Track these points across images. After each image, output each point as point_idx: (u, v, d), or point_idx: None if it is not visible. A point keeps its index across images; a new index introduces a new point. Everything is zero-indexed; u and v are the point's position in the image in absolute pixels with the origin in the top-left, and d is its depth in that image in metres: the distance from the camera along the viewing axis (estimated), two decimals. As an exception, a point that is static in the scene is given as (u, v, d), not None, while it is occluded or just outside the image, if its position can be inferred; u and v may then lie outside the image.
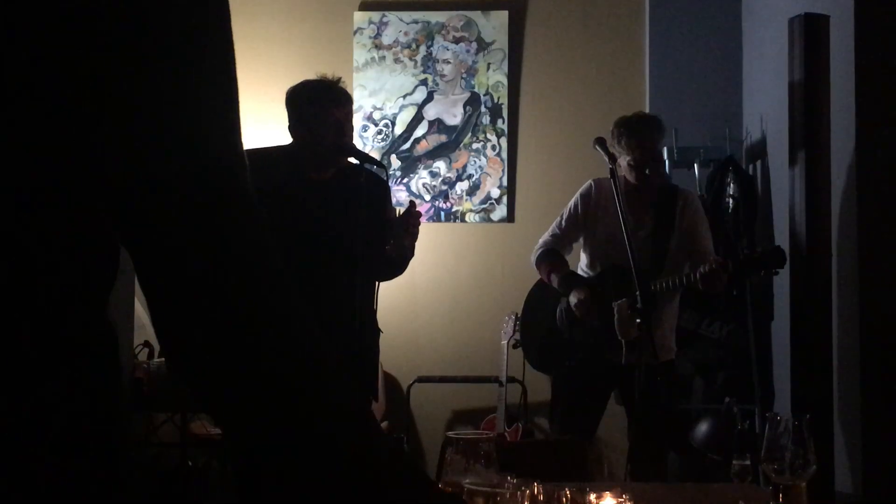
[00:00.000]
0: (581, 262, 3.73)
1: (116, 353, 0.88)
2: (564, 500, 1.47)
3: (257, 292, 0.80)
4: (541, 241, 3.75)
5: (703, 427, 4.39)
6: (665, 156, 4.77)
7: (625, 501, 1.52)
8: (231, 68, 0.83)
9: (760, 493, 1.61)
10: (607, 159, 3.37)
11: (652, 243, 3.47)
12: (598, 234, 3.62)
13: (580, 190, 3.73)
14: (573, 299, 3.52)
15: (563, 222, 3.72)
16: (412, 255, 3.17)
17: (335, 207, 3.06)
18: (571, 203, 3.73)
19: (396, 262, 3.15)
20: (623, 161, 3.56)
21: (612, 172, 3.33)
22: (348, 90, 3.33)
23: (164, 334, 0.81)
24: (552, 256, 3.68)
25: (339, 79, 3.22)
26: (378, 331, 3.26)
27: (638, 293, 3.19)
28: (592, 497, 1.51)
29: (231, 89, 0.83)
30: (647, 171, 3.52)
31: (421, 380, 5.02)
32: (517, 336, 4.19)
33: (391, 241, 3.05)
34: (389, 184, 4.52)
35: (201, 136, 0.80)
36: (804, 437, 1.65)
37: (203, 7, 0.80)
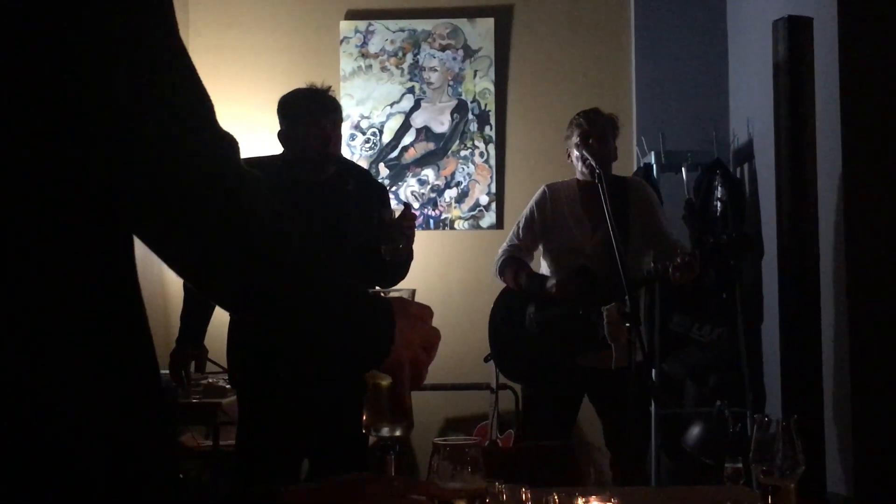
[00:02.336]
0: (544, 270, 3.65)
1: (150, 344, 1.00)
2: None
3: (264, 236, 0.98)
4: (500, 251, 3.67)
5: (694, 431, 4.39)
6: (652, 159, 4.79)
7: (613, 505, 1.52)
8: (186, 65, 0.94)
9: (750, 495, 1.60)
10: (595, 164, 3.37)
11: (609, 241, 3.32)
12: (558, 240, 3.57)
13: (534, 197, 3.68)
14: (550, 283, 3.45)
15: (521, 231, 3.65)
16: (411, 257, 3.17)
17: (326, 211, 3.06)
18: (527, 211, 3.68)
19: (394, 266, 3.14)
20: (574, 154, 3.53)
21: (599, 178, 3.32)
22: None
23: (199, 285, 1.02)
24: (515, 262, 3.60)
25: (329, 87, 3.23)
26: None
27: (626, 297, 3.18)
28: (580, 501, 1.51)
29: (195, 84, 0.95)
30: (586, 157, 3.43)
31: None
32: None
33: (385, 244, 3.04)
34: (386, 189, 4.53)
35: (184, 129, 0.92)
36: (792, 438, 1.65)
37: (153, 19, 0.91)
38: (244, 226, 0.97)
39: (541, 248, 3.67)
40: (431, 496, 1.15)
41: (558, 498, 1.48)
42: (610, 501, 1.54)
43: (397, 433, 1.16)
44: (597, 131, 3.54)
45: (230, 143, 0.98)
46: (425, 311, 1.16)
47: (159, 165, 0.91)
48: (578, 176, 3.59)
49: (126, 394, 0.94)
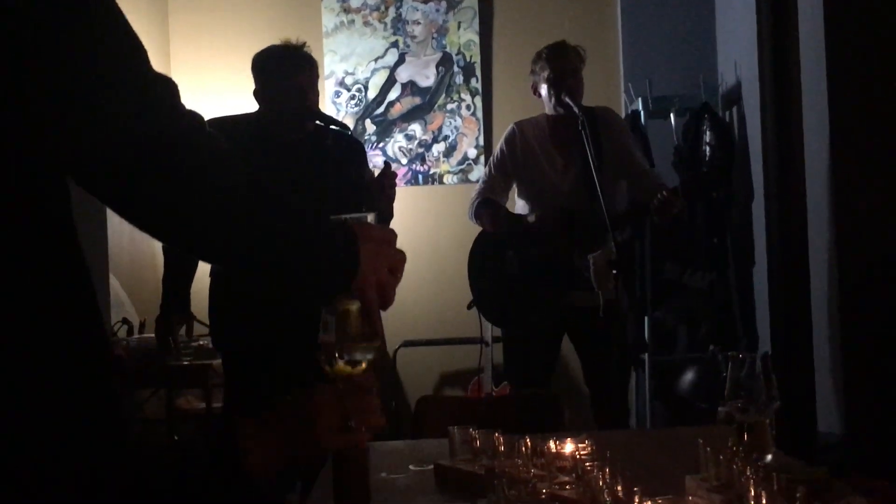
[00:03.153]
0: (518, 210, 3.58)
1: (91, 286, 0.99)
2: (524, 449, 1.46)
3: (209, 178, 0.99)
4: (473, 194, 3.61)
5: (688, 376, 4.40)
6: (640, 106, 4.74)
7: (587, 447, 1.51)
8: (110, 18, 0.93)
9: (724, 433, 1.60)
10: (576, 110, 3.32)
11: (584, 177, 3.31)
12: (531, 179, 3.50)
13: (504, 135, 3.60)
14: (531, 217, 3.40)
15: (493, 171, 3.58)
16: (391, 216, 3.13)
17: (305, 169, 3.03)
18: (497, 151, 3.60)
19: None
20: (543, 90, 3.46)
21: (583, 124, 3.27)
22: (318, 56, 3.28)
23: (158, 236, 1.04)
24: (489, 203, 3.53)
25: (304, 43, 3.17)
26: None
27: (612, 245, 3.16)
28: (553, 444, 1.50)
29: (121, 35, 0.94)
30: (564, 98, 3.36)
31: (406, 344, 5.01)
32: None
33: (367, 203, 3.01)
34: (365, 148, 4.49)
35: (110, 80, 0.91)
36: (768, 374, 1.64)
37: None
38: (186, 166, 0.97)
39: (516, 189, 3.60)
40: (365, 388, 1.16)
41: (531, 441, 1.47)
42: (584, 443, 1.53)
43: (368, 356, 1.16)
44: (570, 67, 3.45)
45: (164, 85, 0.97)
46: (389, 235, 1.17)
47: (88, 119, 0.90)
48: (547, 111, 3.51)
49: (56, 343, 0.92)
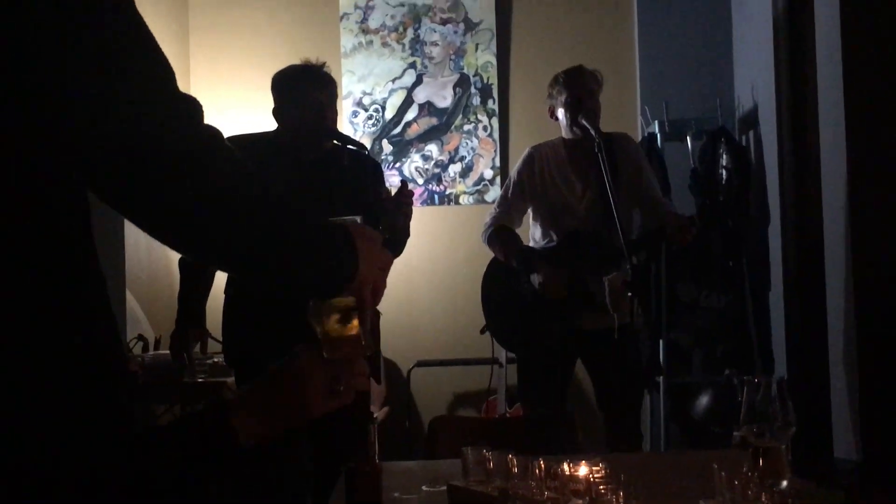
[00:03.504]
0: (533, 234, 3.59)
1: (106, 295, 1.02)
2: (538, 470, 1.45)
3: (224, 186, 1.02)
4: (488, 218, 3.60)
5: (703, 399, 4.38)
6: (657, 129, 4.75)
7: (601, 469, 1.51)
8: (139, 33, 0.97)
9: (739, 457, 1.59)
10: (594, 133, 3.32)
11: (601, 201, 3.31)
12: (548, 202, 3.50)
13: (521, 159, 3.60)
14: (536, 281, 3.39)
15: (509, 195, 3.58)
16: (408, 235, 3.14)
17: (321, 188, 3.04)
18: (514, 174, 3.60)
19: (391, 243, 3.12)
20: (560, 114, 3.47)
21: (599, 147, 3.28)
22: (336, 76, 3.31)
23: (172, 244, 1.06)
24: (503, 234, 3.53)
25: (324, 63, 3.20)
26: (377, 312, 3.23)
27: (628, 266, 3.16)
28: (566, 466, 1.49)
29: (148, 50, 0.98)
30: (581, 120, 3.36)
31: (421, 364, 5.01)
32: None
33: (384, 222, 3.02)
34: (381, 167, 4.51)
35: (138, 95, 0.95)
36: (784, 399, 1.63)
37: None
38: (207, 181, 1.00)
39: (531, 211, 3.60)
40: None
41: (544, 463, 1.47)
42: (598, 466, 1.52)
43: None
44: (587, 90, 3.45)
45: (190, 104, 1.01)
46: (378, 235, 1.20)
47: (115, 130, 0.93)
48: (564, 135, 3.52)
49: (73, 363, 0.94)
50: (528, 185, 3.54)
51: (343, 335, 1.17)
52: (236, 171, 1.03)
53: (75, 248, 0.98)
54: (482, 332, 3.63)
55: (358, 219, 1.22)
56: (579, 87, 3.44)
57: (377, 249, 1.17)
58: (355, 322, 1.18)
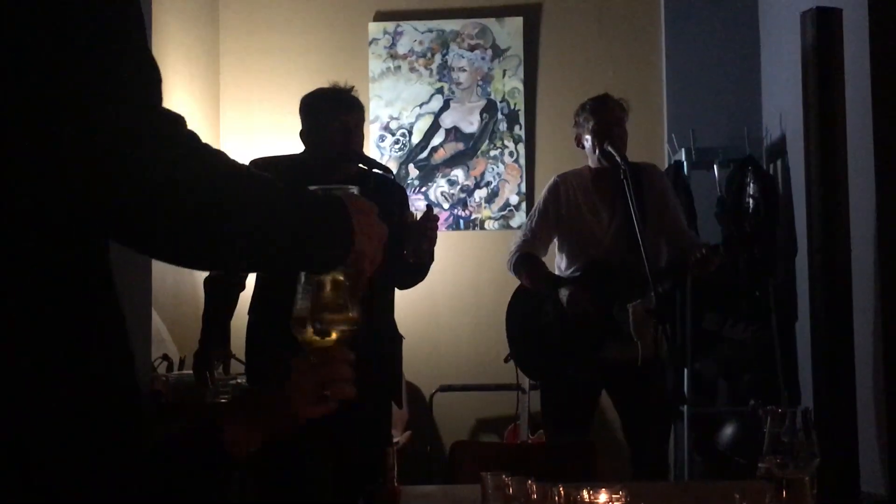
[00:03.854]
0: (559, 264, 3.57)
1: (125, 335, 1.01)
2: (557, 497, 1.45)
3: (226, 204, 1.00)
4: (513, 246, 3.57)
5: (728, 430, 4.33)
6: (683, 157, 4.74)
7: (621, 497, 1.50)
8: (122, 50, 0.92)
9: (762, 488, 1.57)
10: (620, 161, 3.31)
11: (626, 230, 3.28)
12: (573, 232, 3.48)
13: (547, 187, 3.59)
14: (564, 294, 3.37)
15: (535, 224, 3.56)
16: (432, 260, 3.14)
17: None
18: (540, 203, 3.59)
19: (416, 268, 3.12)
20: (587, 142, 3.46)
21: (625, 174, 3.27)
22: (364, 101, 3.33)
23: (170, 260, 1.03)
24: (529, 260, 3.50)
25: (352, 87, 3.23)
26: (400, 336, 3.24)
27: (652, 294, 3.14)
28: (586, 493, 1.48)
29: (133, 66, 0.94)
30: (607, 147, 3.34)
31: (443, 388, 5.00)
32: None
33: (409, 247, 3.03)
34: (406, 191, 4.52)
35: (120, 112, 0.91)
36: (809, 429, 1.61)
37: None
38: (196, 198, 0.97)
39: (556, 240, 3.59)
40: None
41: (563, 490, 1.46)
42: (617, 494, 1.51)
43: (342, 327, 1.16)
44: (614, 118, 3.45)
45: (172, 121, 0.97)
46: (373, 206, 1.18)
47: (99, 159, 0.90)
48: (591, 163, 3.51)
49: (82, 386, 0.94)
50: (554, 214, 3.53)
51: (336, 312, 1.16)
52: (226, 177, 1.01)
53: (93, 285, 0.98)
54: (506, 360, 3.62)
55: (354, 189, 1.20)
56: (606, 115, 3.44)
57: (373, 220, 1.15)
58: (348, 295, 1.17)
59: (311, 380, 1.13)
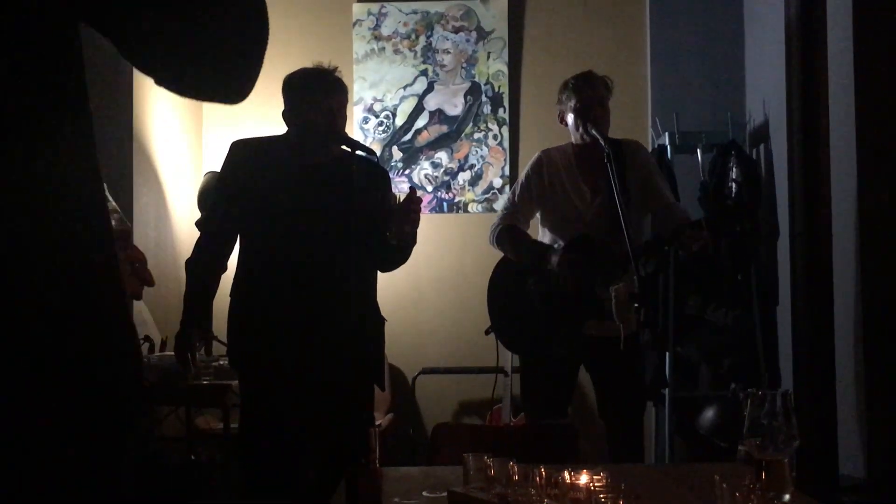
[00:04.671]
0: (541, 239, 3.55)
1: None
2: (539, 479, 1.45)
3: None
4: (496, 220, 3.57)
5: (709, 413, 4.35)
6: (667, 140, 4.74)
7: (602, 479, 1.50)
8: None
9: (742, 470, 1.58)
10: (603, 143, 3.31)
11: (609, 208, 3.27)
12: (556, 208, 3.48)
13: (530, 162, 3.59)
14: (555, 259, 3.35)
15: (517, 198, 3.55)
16: (414, 242, 3.14)
17: (330, 193, 3.04)
18: (523, 177, 3.58)
19: (398, 250, 3.12)
20: (570, 120, 3.45)
21: (608, 157, 3.26)
22: (348, 82, 3.30)
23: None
24: (513, 231, 3.50)
25: (335, 68, 3.20)
26: (382, 319, 3.23)
27: (635, 277, 3.14)
28: (567, 475, 1.49)
29: None
30: (590, 129, 3.34)
31: (426, 371, 5.00)
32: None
33: (392, 229, 3.02)
34: (390, 175, 4.51)
35: None
36: (788, 412, 1.62)
37: None
38: None
39: (538, 216, 3.59)
40: None
41: (545, 471, 1.46)
42: (599, 476, 1.52)
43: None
44: (597, 96, 3.44)
45: None
46: None
47: None
48: (574, 140, 3.51)
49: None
50: (537, 189, 3.52)
51: None
52: None
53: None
54: (487, 332, 3.61)
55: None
56: (589, 93, 3.43)
57: None
58: None
59: None
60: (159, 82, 1.02)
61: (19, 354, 0.88)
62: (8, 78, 0.88)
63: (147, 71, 1.00)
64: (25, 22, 0.89)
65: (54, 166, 0.92)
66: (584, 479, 1.50)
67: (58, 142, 0.93)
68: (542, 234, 3.57)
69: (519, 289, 3.46)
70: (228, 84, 1.04)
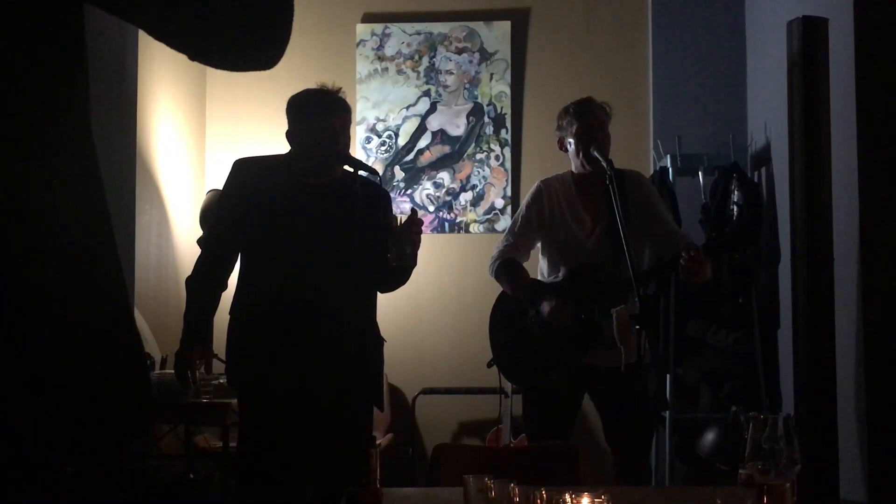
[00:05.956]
0: (542, 268, 3.56)
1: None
2: (540, 501, 1.44)
3: None
4: (495, 251, 3.55)
5: (709, 436, 4.34)
6: (668, 163, 4.75)
7: (603, 502, 1.50)
8: None
9: (742, 494, 1.57)
10: (605, 165, 3.31)
11: (610, 236, 3.27)
12: (557, 237, 3.47)
13: (530, 193, 3.57)
14: (545, 309, 3.35)
15: (517, 229, 3.54)
16: (415, 263, 3.13)
17: (332, 213, 3.05)
18: (523, 209, 3.57)
19: (398, 271, 3.12)
20: (570, 146, 3.45)
21: (611, 179, 3.27)
22: (351, 102, 3.32)
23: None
24: (511, 267, 3.48)
25: (339, 88, 3.22)
26: (381, 340, 3.23)
27: (636, 299, 3.14)
28: (569, 497, 1.48)
29: None
30: (592, 151, 3.33)
31: (426, 391, 4.99)
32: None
33: (392, 250, 3.02)
34: (391, 194, 4.52)
35: None
36: (790, 436, 1.62)
37: None
38: None
39: (539, 245, 3.58)
40: None
41: (546, 494, 1.46)
42: (600, 498, 1.51)
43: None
44: (597, 121, 3.43)
45: None
46: None
47: None
48: (573, 168, 3.51)
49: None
50: (537, 220, 3.52)
51: None
52: None
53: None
54: (489, 366, 3.61)
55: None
56: (590, 119, 3.43)
57: None
58: None
59: None
60: (193, 57, 1.04)
61: (24, 368, 0.88)
62: (12, 88, 0.89)
63: (179, 48, 1.03)
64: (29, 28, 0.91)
65: (57, 176, 0.92)
66: (585, 501, 1.49)
67: (61, 153, 0.93)
68: (543, 263, 3.56)
69: (519, 321, 3.46)
70: (259, 51, 1.08)
